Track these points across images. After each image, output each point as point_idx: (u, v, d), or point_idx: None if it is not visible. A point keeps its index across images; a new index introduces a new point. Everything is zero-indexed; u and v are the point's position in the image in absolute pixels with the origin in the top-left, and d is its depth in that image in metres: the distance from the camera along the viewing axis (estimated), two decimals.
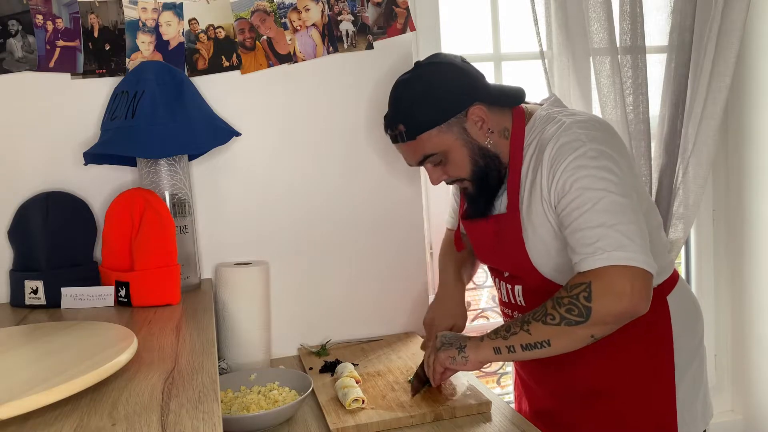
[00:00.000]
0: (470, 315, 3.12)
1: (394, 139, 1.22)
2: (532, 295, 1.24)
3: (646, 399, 1.23)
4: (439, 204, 1.82)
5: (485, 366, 1.44)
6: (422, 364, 1.27)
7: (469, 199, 1.28)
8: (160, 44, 1.50)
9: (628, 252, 1.03)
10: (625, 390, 1.23)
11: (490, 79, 1.86)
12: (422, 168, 1.25)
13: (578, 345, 1.08)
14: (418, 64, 1.22)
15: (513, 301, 1.30)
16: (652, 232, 1.15)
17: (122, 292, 1.25)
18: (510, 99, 1.22)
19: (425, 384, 1.25)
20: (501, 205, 1.24)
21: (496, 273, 1.34)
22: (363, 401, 1.20)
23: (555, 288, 1.15)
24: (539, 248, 1.18)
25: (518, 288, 1.27)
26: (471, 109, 1.16)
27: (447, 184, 1.28)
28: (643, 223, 1.09)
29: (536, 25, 1.71)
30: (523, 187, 1.18)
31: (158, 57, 1.50)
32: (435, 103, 1.15)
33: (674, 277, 1.30)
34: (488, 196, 1.23)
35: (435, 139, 1.17)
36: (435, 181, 1.25)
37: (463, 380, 1.32)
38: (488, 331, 1.16)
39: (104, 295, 1.27)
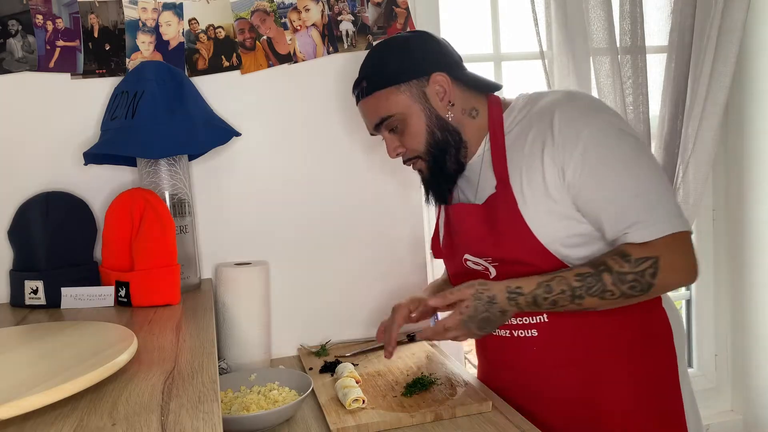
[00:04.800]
0: None
1: (357, 98, 1.22)
2: None
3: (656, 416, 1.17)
4: None
5: None
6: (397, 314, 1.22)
7: (426, 185, 1.25)
8: (160, 44, 1.50)
9: (679, 217, 1.02)
10: (633, 406, 1.16)
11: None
12: None
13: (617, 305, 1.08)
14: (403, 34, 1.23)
15: None
16: None
17: (122, 292, 1.25)
18: (482, 85, 1.20)
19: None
20: (482, 192, 1.19)
21: (478, 279, 1.20)
22: (363, 401, 1.20)
23: (556, 268, 1.10)
24: (542, 220, 1.11)
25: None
26: (434, 76, 1.14)
27: (404, 162, 1.24)
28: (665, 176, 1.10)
29: (536, 25, 1.71)
30: (516, 161, 1.13)
31: (158, 57, 1.50)
32: (400, 62, 1.15)
33: None
34: (446, 178, 1.20)
35: (393, 97, 1.15)
36: (392, 153, 1.22)
37: (463, 380, 1.32)
38: (522, 300, 1.08)
39: (104, 295, 1.26)
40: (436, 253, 1.36)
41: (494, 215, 1.16)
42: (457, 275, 1.29)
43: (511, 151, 1.15)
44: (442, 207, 1.32)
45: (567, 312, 1.11)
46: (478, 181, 1.21)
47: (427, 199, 1.27)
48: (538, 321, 1.18)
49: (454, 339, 1.16)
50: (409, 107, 1.16)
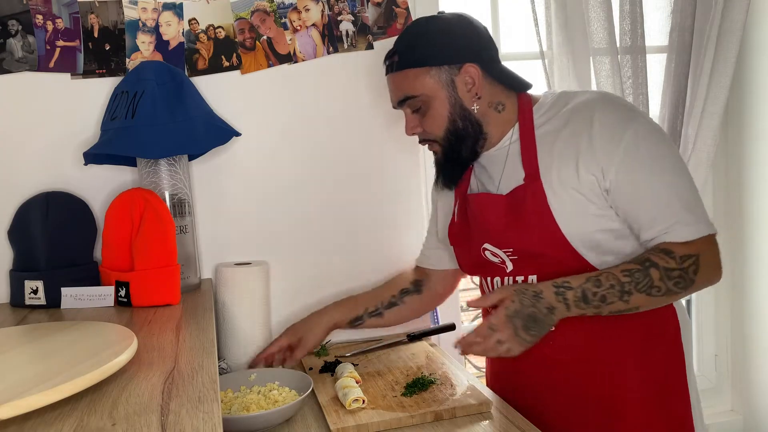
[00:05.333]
0: (470, 315, 3.11)
1: (387, 69, 1.21)
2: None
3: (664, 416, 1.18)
4: None
5: None
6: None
7: (438, 168, 1.26)
8: (160, 44, 1.50)
9: (709, 220, 1.10)
10: (641, 405, 1.17)
11: None
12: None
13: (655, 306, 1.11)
14: (440, 13, 1.21)
15: None
16: None
17: (122, 292, 1.25)
18: (514, 82, 1.20)
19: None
20: (506, 183, 1.19)
21: (494, 272, 1.24)
22: (363, 401, 1.20)
23: (580, 268, 1.11)
24: (570, 216, 1.11)
25: (532, 278, 1.18)
26: (466, 66, 1.14)
27: (420, 141, 1.25)
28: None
29: (536, 25, 1.71)
30: (546, 156, 1.13)
31: (158, 57, 1.50)
32: (434, 45, 1.14)
33: None
34: (459, 164, 1.21)
35: (421, 78, 1.15)
36: (409, 131, 1.22)
37: (463, 380, 1.32)
38: (571, 294, 1.07)
39: (104, 295, 1.26)
40: (452, 239, 1.35)
41: (520, 207, 1.16)
42: (472, 266, 1.31)
43: (541, 146, 1.15)
44: (460, 195, 1.31)
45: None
46: (501, 173, 1.21)
47: (437, 182, 1.27)
48: None
49: (506, 353, 1.08)
50: (435, 91, 1.15)
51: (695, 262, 1.06)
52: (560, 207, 1.12)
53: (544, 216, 1.13)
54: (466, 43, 1.15)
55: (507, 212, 1.17)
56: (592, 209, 1.12)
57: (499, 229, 1.19)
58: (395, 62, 1.17)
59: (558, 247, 1.13)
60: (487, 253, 1.23)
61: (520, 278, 1.21)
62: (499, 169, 1.22)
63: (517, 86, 1.21)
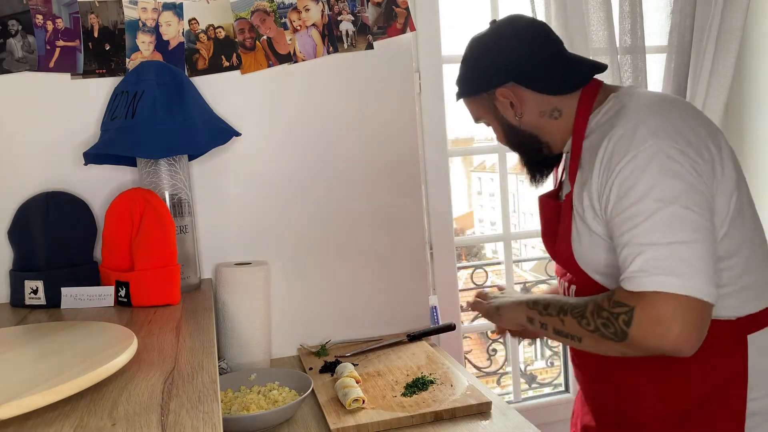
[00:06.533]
0: (470, 315, 3.11)
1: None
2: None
3: None
4: (439, 204, 1.82)
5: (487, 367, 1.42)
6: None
7: (525, 167, 1.27)
8: (160, 44, 1.50)
9: (682, 278, 0.90)
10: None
11: None
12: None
13: (610, 354, 1.01)
14: (492, 22, 1.20)
15: None
16: (743, 249, 1.02)
17: (122, 292, 1.25)
18: (568, 83, 1.12)
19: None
20: (566, 188, 1.15)
21: (559, 272, 1.25)
22: (363, 401, 1.20)
23: (600, 290, 1.07)
24: (584, 246, 1.08)
25: (573, 288, 1.17)
26: (499, 90, 1.14)
27: None
28: (710, 240, 0.94)
29: None
30: (583, 173, 1.07)
31: (158, 57, 1.50)
32: (470, 77, 1.19)
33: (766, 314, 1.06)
34: (536, 166, 1.22)
35: (472, 106, 1.22)
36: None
37: (463, 380, 1.32)
38: (531, 296, 1.15)
39: (104, 295, 1.26)
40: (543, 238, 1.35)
41: (558, 225, 1.15)
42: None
43: (584, 159, 1.08)
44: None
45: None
46: (562, 180, 1.22)
47: (527, 179, 1.28)
48: None
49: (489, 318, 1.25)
50: (484, 115, 1.21)
51: (627, 313, 0.94)
52: (577, 236, 1.09)
53: (565, 240, 1.12)
54: (496, 67, 1.14)
55: (551, 222, 1.19)
56: (598, 241, 1.06)
57: (547, 235, 1.23)
58: (456, 93, 1.25)
59: (575, 271, 1.14)
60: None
61: (573, 288, 1.17)
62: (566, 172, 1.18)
63: (573, 85, 1.13)
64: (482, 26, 1.23)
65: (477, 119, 1.24)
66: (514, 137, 1.19)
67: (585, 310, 1.01)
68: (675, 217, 0.93)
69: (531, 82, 1.13)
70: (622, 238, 0.97)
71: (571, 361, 1.28)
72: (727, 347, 1.04)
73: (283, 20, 1.57)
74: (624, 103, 1.05)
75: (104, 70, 1.48)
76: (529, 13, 1.70)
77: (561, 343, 1.08)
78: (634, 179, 0.96)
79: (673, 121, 1.00)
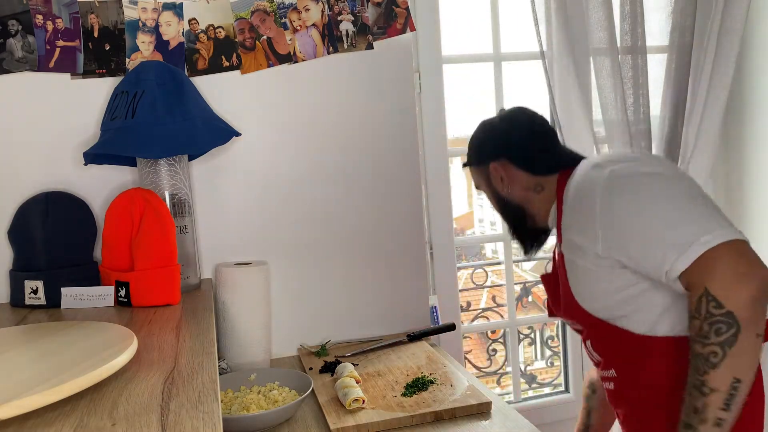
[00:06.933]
0: (470, 315, 3.12)
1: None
2: (601, 344, 1.20)
3: None
4: (439, 204, 1.82)
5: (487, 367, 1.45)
6: None
7: (515, 237, 1.39)
8: (160, 44, 1.50)
9: (713, 232, 0.96)
10: None
11: (490, 82, 1.87)
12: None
13: (757, 355, 0.96)
14: (500, 110, 1.38)
15: (593, 358, 1.25)
16: None
17: (122, 292, 1.25)
18: (551, 166, 1.27)
19: None
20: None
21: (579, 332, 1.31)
22: (363, 401, 1.20)
23: (610, 331, 1.13)
24: (582, 284, 1.16)
25: (588, 342, 1.24)
26: (492, 164, 1.30)
27: None
28: (708, 197, 1.05)
29: (536, 25, 1.71)
30: (563, 225, 1.19)
31: (158, 57, 1.50)
32: (474, 150, 1.36)
33: None
34: (523, 235, 1.35)
35: (474, 174, 1.39)
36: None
37: (463, 380, 1.32)
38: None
39: (104, 295, 1.26)
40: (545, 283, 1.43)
41: (557, 280, 1.27)
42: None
43: (563, 224, 1.19)
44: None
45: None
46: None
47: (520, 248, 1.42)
48: (611, 375, 1.21)
49: None
50: (482, 183, 1.37)
51: (706, 296, 0.95)
52: (573, 277, 1.18)
53: (567, 292, 1.21)
54: (493, 146, 1.32)
55: (551, 291, 1.32)
56: (603, 286, 1.12)
57: (555, 303, 1.31)
58: (463, 162, 1.44)
59: (581, 317, 1.20)
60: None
61: (588, 342, 1.25)
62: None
63: (556, 170, 1.27)
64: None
65: (477, 186, 1.40)
66: (503, 206, 1.33)
67: (700, 356, 0.96)
68: (667, 194, 1.04)
69: (520, 162, 1.29)
70: (631, 243, 1.04)
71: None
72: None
73: (283, 20, 1.57)
74: (578, 175, 1.19)
75: (104, 70, 1.48)
76: (529, 13, 1.70)
77: (735, 395, 0.97)
78: (617, 197, 1.06)
79: (641, 158, 1.17)
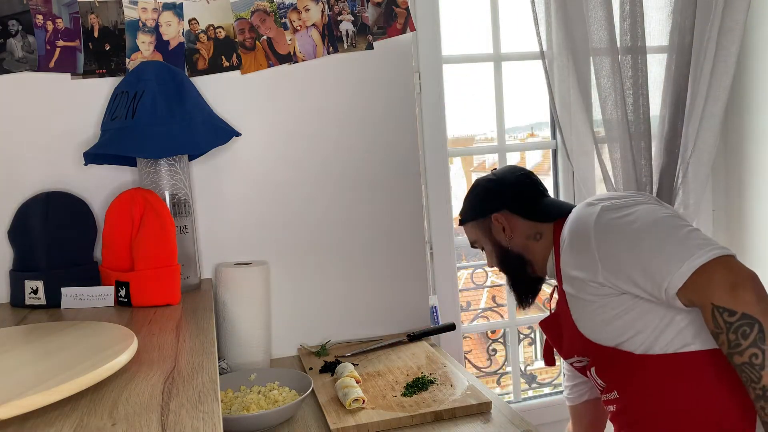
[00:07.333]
0: (470, 315, 3.12)
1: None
2: (605, 369, 1.24)
3: None
4: (439, 204, 1.82)
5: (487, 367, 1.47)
6: None
7: (513, 290, 1.43)
8: (160, 44, 1.50)
9: (704, 248, 1.02)
10: None
11: (490, 82, 1.87)
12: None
13: None
14: (492, 170, 1.46)
15: (598, 385, 1.29)
16: None
17: (122, 292, 1.25)
18: (548, 215, 1.34)
19: None
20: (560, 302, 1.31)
21: (578, 368, 1.35)
22: (363, 401, 1.20)
23: (613, 355, 1.17)
24: (583, 315, 1.21)
25: (593, 370, 1.27)
26: (494, 216, 1.37)
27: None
28: (689, 225, 1.10)
29: (536, 25, 1.71)
30: (561, 264, 1.23)
31: (158, 57, 1.50)
32: (473, 205, 1.42)
33: None
34: (522, 286, 1.40)
35: (472, 230, 1.43)
36: (488, 265, 1.48)
37: (463, 380, 1.32)
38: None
39: (104, 295, 1.26)
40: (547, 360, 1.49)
41: (561, 323, 1.31)
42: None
43: (562, 263, 1.24)
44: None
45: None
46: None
47: (517, 303, 1.45)
48: (614, 397, 1.25)
49: None
50: (480, 238, 1.42)
51: (725, 305, 0.99)
52: (575, 310, 1.22)
53: (567, 321, 1.26)
54: (493, 199, 1.38)
55: (552, 333, 1.36)
56: (603, 307, 1.17)
57: (559, 345, 1.37)
58: (460, 219, 1.48)
59: (587, 348, 1.24)
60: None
61: (592, 369, 1.28)
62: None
63: (552, 217, 1.33)
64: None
65: (473, 243, 1.45)
66: (504, 257, 1.38)
67: (740, 362, 0.99)
68: (655, 223, 1.10)
69: (521, 211, 1.36)
70: (641, 267, 1.08)
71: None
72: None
73: (283, 20, 1.57)
74: (573, 215, 1.24)
75: (104, 70, 1.48)
76: (529, 13, 1.70)
77: None
78: (612, 233, 1.12)
79: (631, 195, 1.22)
